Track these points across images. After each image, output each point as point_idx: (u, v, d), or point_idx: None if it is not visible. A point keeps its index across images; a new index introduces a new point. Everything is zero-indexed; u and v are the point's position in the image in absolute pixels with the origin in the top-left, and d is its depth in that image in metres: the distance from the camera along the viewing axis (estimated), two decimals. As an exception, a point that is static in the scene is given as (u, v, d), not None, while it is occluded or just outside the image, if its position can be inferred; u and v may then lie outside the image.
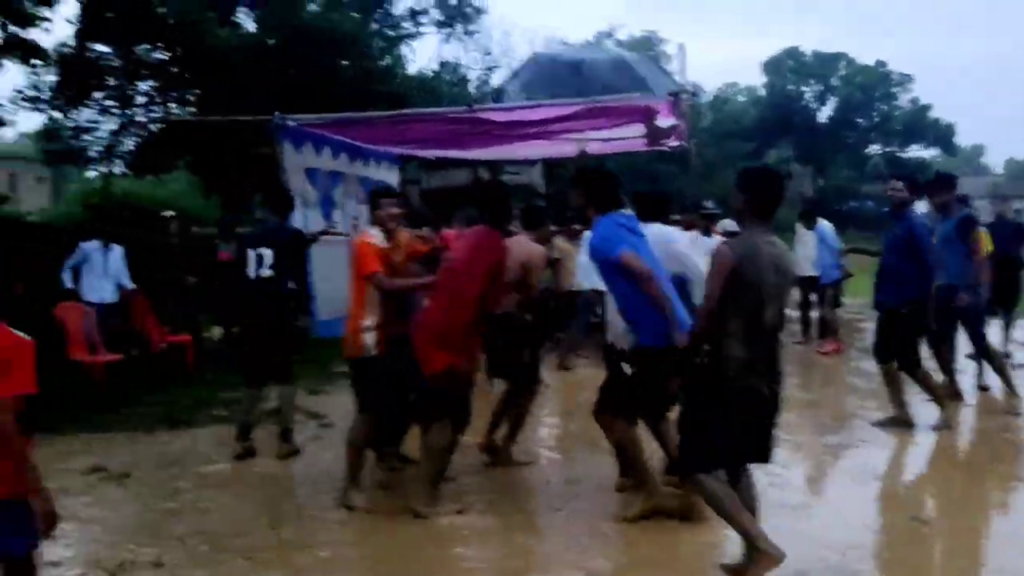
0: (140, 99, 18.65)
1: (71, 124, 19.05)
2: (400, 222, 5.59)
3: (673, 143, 10.08)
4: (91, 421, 7.01)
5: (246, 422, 6.29)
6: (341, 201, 11.96)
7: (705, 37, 78.10)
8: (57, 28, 21.19)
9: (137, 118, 18.58)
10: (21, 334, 2.83)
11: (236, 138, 15.59)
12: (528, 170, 26.01)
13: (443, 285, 4.96)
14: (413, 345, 4.86)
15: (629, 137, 9.72)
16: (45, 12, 12.13)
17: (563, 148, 11.30)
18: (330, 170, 11.88)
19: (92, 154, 20.13)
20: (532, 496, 5.48)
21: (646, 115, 9.20)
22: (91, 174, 27.28)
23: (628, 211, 4.88)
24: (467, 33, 25.34)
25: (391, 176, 13.42)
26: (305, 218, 10.84)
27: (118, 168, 20.38)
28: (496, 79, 27.50)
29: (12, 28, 11.83)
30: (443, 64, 26.47)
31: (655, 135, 9.48)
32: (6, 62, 12.73)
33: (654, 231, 5.05)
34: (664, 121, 9.21)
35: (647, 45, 42.21)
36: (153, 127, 18.13)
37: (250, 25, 20.18)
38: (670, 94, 9.41)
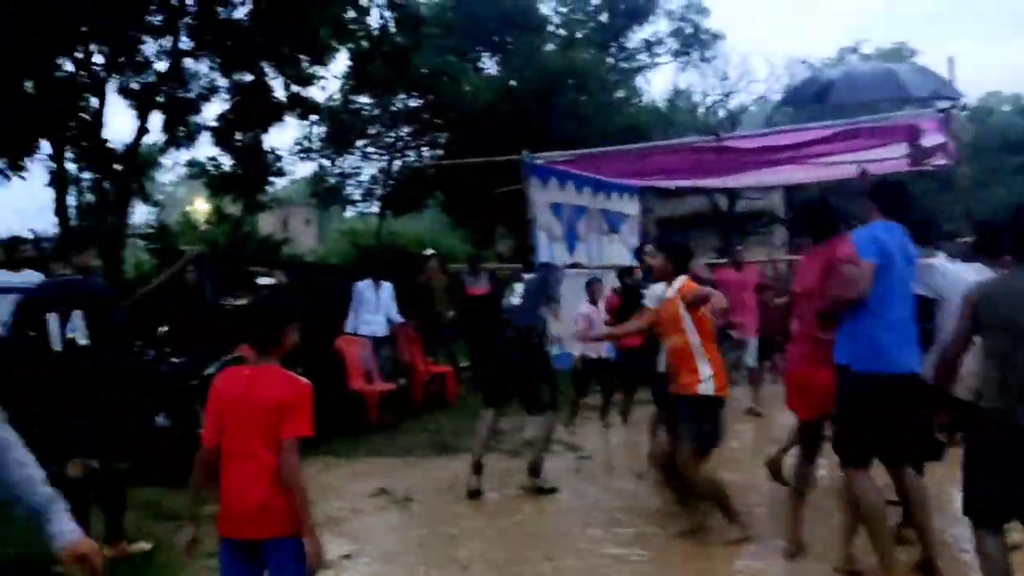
0: (397, 144, 20.24)
1: (337, 170, 21.04)
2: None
3: (939, 161, 9.33)
4: (371, 446, 7.60)
5: (479, 454, 6.15)
6: (584, 235, 12.21)
7: (960, 45, 71.69)
8: (328, 82, 23.62)
9: (394, 162, 20.16)
10: (301, 378, 2.93)
11: (483, 177, 16.42)
12: (767, 195, 25.23)
13: (798, 317, 4.65)
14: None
15: (889, 158, 9.12)
16: (321, 71, 13.52)
17: (816, 172, 10.85)
18: (574, 204, 12.19)
19: (354, 196, 22.11)
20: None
21: (910, 135, 8.61)
22: (349, 215, 29.85)
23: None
24: (704, 60, 25.13)
25: (631, 207, 13.53)
26: (551, 252, 11.21)
27: (375, 208, 22.16)
28: (734, 104, 27.03)
29: (294, 88, 13.29)
30: (678, 92, 26.43)
31: (918, 155, 8.85)
32: (287, 118, 14.26)
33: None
34: (930, 139, 8.58)
35: (897, 57, 39.47)
36: (408, 169, 19.51)
37: (493, 69, 21.30)
38: (939, 110, 8.74)
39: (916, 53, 40.20)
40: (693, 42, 24.50)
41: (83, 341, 4.84)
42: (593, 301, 8.49)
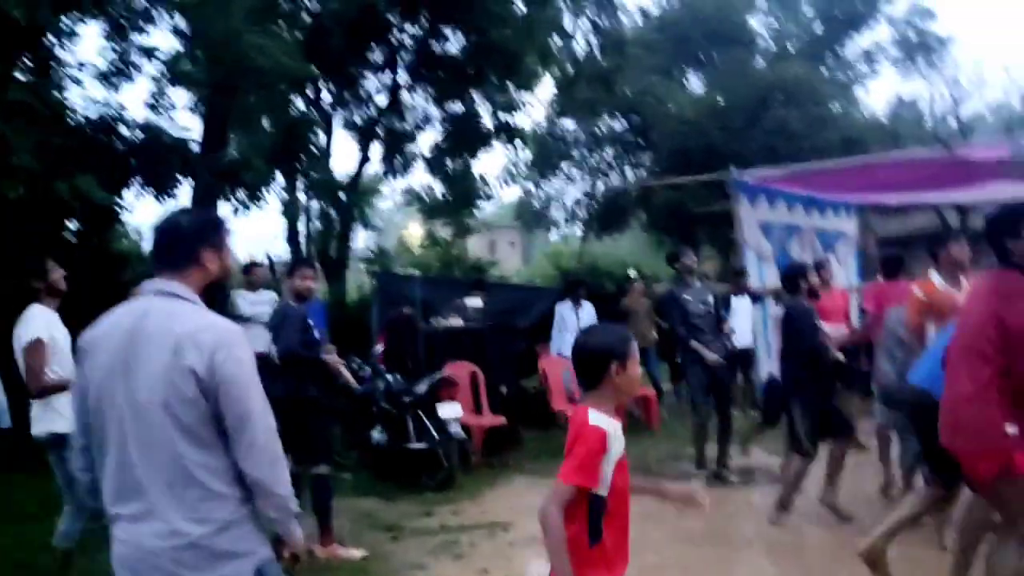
0: (600, 166, 20.39)
1: (541, 193, 21.48)
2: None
3: None
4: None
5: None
6: (798, 255, 11.67)
7: None
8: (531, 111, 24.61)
9: (598, 184, 20.31)
10: (597, 422, 2.48)
11: (687, 196, 16.16)
12: (1009, 210, 22.90)
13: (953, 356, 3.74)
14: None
15: None
16: (527, 98, 13.88)
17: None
18: (785, 223, 11.68)
19: (558, 219, 22.47)
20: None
21: None
22: (554, 237, 30.37)
23: None
24: (931, 67, 23.34)
25: (848, 225, 12.77)
26: (761, 273, 10.78)
27: (579, 230, 22.38)
28: (967, 113, 24.94)
29: (501, 115, 13.73)
30: (901, 102, 24.75)
31: None
32: (495, 144, 14.71)
33: None
34: None
35: None
36: (611, 191, 19.58)
37: (699, 87, 20.98)
38: None
39: None
40: (918, 49, 22.82)
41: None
42: None
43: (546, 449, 8.18)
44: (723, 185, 10.94)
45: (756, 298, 10.02)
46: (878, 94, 68.03)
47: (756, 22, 22.65)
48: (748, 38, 21.21)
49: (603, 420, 2.50)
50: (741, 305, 9.61)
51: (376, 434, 7.29)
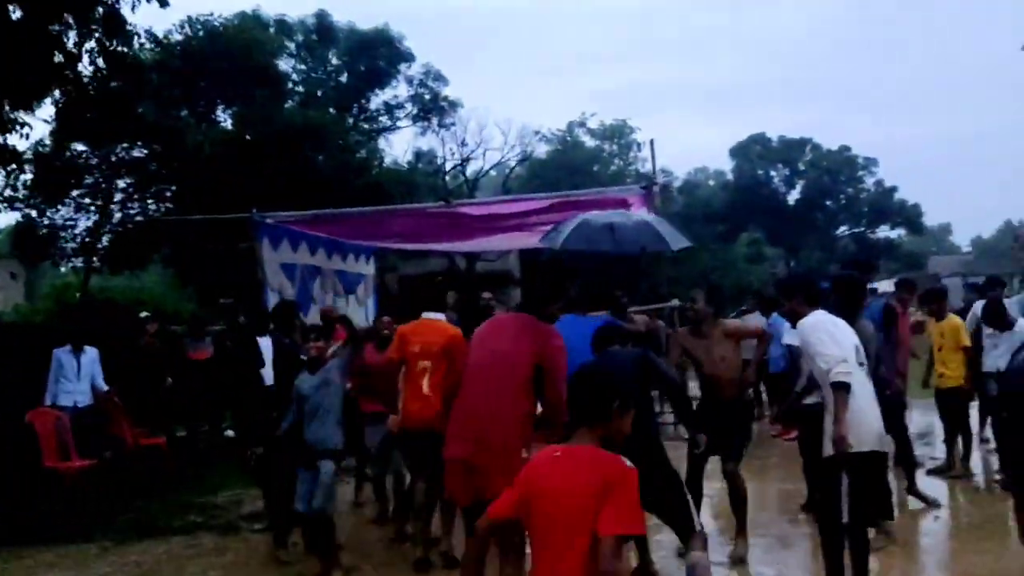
0: (117, 196, 18.72)
1: (46, 222, 19.01)
2: None
3: (645, 232, 10.34)
4: (64, 531, 6.77)
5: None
6: (318, 295, 12.00)
7: (673, 124, 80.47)
8: (35, 127, 21.73)
9: (114, 215, 18.63)
10: (623, 459, 2.42)
11: (214, 233, 15.65)
12: (505, 258, 26.39)
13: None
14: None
15: (604, 228, 9.93)
16: (23, 116, 12.17)
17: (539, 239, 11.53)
18: (308, 264, 11.97)
19: (67, 251, 20.07)
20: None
21: (621, 206, 9.45)
22: (65, 270, 27.18)
23: None
24: (442, 126, 25.92)
25: (367, 268, 13.53)
26: (282, 313, 10.88)
27: (93, 264, 20.32)
28: (473, 168, 28.12)
29: (-10, 133, 11.89)
30: (418, 156, 27.04)
31: (629, 225, 9.72)
32: (-18, 165, 12.71)
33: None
34: (637, 211, 9.46)
35: (619, 133, 43.23)
36: (130, 223, 18.17)
37: (228, 122, 20.52)
38: (642, 186, 9.70)
39: (635, 130, 44.31)
40: (432, 108, 25.23)
41: None
42: None
43: (37, 514, 7.22)
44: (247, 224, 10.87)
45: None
46: (400, 145, 73.93)
47: (285, 64, 23.06)
48: (277, 79, 21.40)
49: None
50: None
51: None
